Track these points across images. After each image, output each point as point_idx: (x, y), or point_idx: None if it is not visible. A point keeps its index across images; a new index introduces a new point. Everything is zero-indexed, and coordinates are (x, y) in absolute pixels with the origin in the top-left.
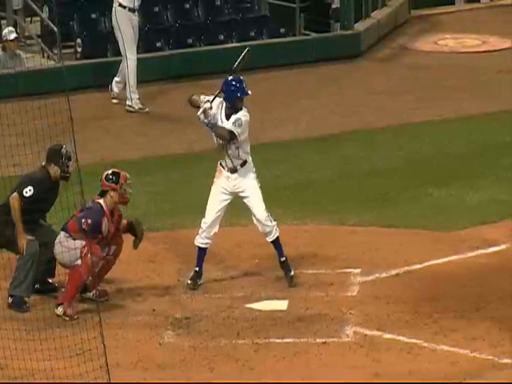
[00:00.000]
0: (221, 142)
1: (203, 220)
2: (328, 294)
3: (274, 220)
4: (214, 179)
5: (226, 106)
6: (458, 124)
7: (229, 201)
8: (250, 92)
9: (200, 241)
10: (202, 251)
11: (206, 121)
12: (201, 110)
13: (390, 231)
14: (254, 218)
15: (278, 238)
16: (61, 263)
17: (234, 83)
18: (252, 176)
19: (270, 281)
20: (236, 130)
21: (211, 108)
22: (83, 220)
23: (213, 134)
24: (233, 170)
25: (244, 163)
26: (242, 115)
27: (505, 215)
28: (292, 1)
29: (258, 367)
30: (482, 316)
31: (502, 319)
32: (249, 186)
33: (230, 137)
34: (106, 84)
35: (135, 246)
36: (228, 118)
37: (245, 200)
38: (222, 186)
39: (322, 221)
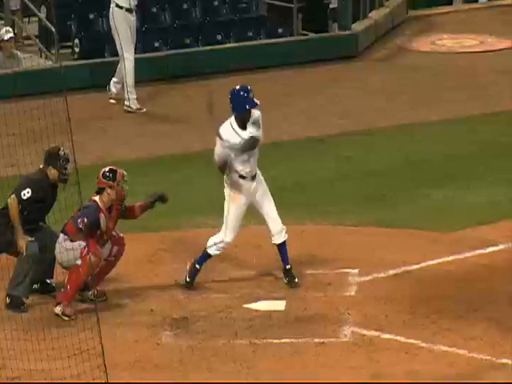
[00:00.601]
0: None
1: (224, 237)
2: (326, 294)
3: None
4: (233, 195)
5: (236, 121)
6: (456, 124)
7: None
8: (258, 102)
9: (213, 250)
10: (209, 257)
11: (232, 155)
12: (219, 159)
13: (388, 232)
14: (266, 218)
15: (285, 242)
16: (61, 263)
17: (241, 93)
18: (261, 177)
19: (267, 281)
20: (255, 133)
21: (221, 139)
22: (79, 220)
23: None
24: (253, 177)
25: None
26: (257, 113)
27: (503, 216)
28: (290, 1)
29: (255, 367)
30: (480, 316)
31: (501, 319)
32: (262, 187)
33: (255, 140)
34: (103, 84)
35: (164, 201)
36: (244, 128)
37: (257, 199)
38: (244, 202)
39: (320, 221)
